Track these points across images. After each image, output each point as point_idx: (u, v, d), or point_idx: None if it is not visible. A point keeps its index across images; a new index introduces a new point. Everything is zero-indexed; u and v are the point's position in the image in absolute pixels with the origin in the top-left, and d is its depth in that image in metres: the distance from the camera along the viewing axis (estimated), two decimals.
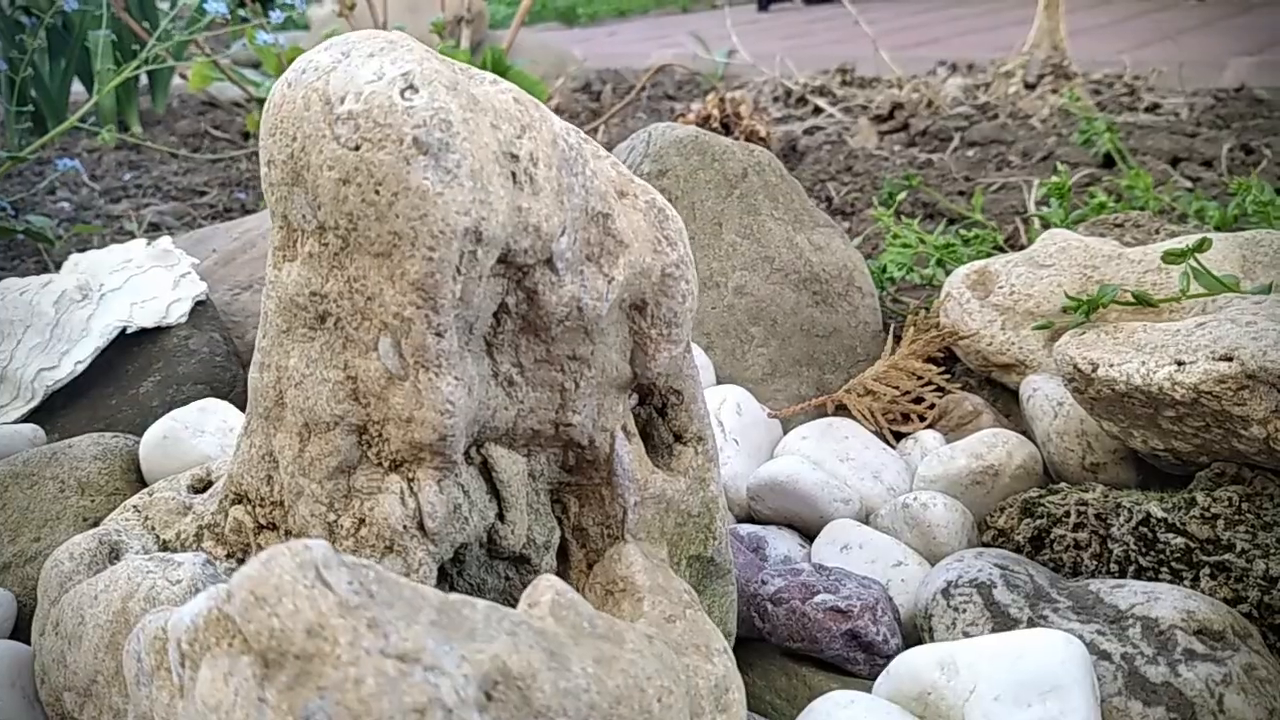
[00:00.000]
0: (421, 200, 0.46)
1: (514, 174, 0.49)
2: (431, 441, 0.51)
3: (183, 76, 2.14)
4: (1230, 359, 0.61)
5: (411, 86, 0.47)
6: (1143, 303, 0.73)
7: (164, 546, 0.66)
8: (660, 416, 0.62)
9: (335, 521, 0.54)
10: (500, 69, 1.84)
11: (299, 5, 1.65)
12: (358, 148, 0.47)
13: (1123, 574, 0.68)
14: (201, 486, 0.69)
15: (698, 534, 0.61)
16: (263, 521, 0.60)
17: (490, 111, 0.50)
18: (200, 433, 0.74)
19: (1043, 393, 0.81)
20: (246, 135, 2.14)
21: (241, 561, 0.62)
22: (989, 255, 1.14)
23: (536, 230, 0.50)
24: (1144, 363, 0.66)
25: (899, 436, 0.89)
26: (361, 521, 0.54)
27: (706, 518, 0.61)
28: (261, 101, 1.93)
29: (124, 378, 0.88)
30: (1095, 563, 0.69)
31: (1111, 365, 0.68)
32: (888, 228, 1.17)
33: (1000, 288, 0.92)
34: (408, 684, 0.36)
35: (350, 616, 0.37)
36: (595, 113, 2.41)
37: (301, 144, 0.49)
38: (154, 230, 1.62)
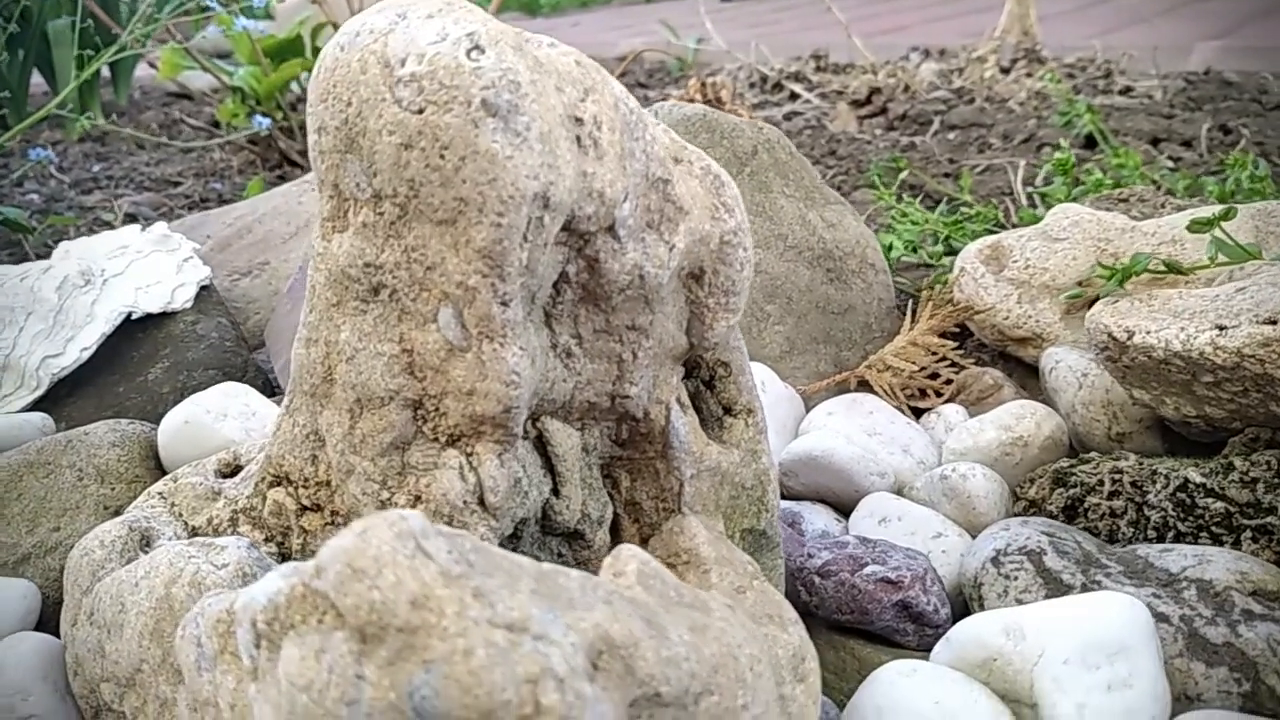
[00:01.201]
0: (490, 164, 0.45)
1: (579, 138, 0.48)
2: (495, 414, 0.49)
3: (151, 65, 2.09)
4: (1275, 322, 0.62)
5: (478, 47, 0.46)
6: (1174, 271, 0.74)
7: (193, 532, 0.64)
8: (708, 389, 0.61)
9: (389, 499, 0.53)
10: None
11: None
12: (421, 111, 0.46)
13: (1161, 539, 0.68)
14: (230, 471, 0.67)
15: (750, 506, 0.60)
16: (306, 503, 0.58)
17: (554, 74, 0.48)
18: (223, 417, 0.72)
19: (1065, 364, 0.82)
20: (217, 124, 2.10)
21: (281, 545, 0.61)
22: (991, 233, 1.14)
23: (600, 196, 0.49)
24: (1183, 329, 0.66)
25: (918, 412, 0.89)
26: (418, 499, 0.52)
27: (759, 490, 0.60)
28: (234, 89, 1.90)
29: (130, 364, 0.85)
30: (1132, 530, 0.69)
31: (1148, 332, 0.68)
32: (891, 206, 1.17)
33: (1014, 262, 0.92)
34: (519, 654, 0.35)
35: (455, 586, 0.36)
36: None
37: (358, 109, 0.48)
38: (132, 221, 1.58)
